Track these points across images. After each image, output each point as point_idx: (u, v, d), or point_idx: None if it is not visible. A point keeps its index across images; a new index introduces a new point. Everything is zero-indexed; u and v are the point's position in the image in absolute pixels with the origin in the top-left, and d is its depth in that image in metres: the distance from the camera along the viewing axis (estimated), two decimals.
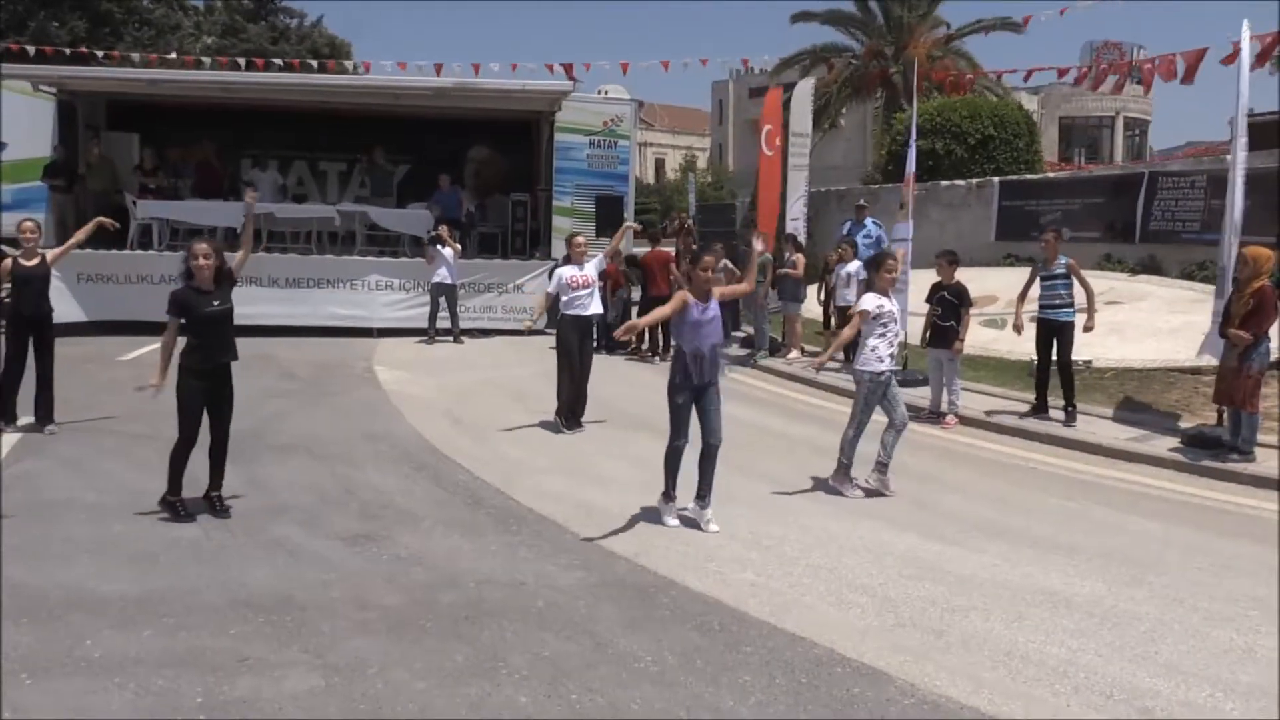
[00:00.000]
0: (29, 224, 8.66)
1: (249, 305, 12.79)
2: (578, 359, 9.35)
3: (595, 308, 9.48)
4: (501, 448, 8.53)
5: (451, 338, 15.01)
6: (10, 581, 5.13)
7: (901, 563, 5.79)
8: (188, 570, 5.39)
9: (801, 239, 14.94)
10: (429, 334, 14.95)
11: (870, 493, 7.26)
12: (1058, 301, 9.59)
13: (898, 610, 5.07)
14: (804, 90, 16.50)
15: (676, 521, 6.38)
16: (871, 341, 7.27)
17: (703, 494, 6.41)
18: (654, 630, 4.74)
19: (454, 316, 15.12)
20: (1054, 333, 9.59)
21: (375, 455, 8.15)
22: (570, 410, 9.29)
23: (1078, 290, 9.62)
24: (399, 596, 5.11)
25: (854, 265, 12.82)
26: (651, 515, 6.53)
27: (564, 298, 9.26)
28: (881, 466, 7.34)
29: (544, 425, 9.29)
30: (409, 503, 6.82)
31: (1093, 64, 21.68)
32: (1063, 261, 9.60)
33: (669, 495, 6.47)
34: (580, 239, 9.62)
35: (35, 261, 8.52)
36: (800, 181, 15.78)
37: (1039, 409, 9.75)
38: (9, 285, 8.43)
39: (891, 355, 7.38)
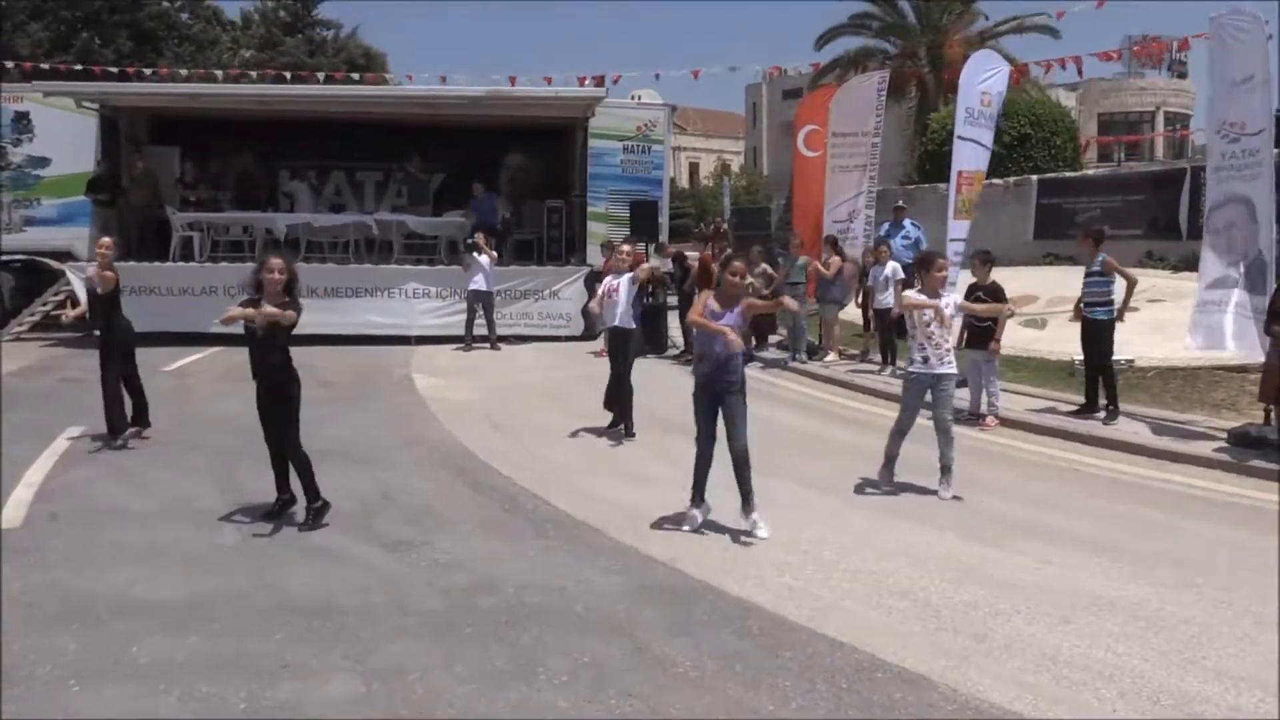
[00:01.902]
0: (107, 240, 8.95)
1: None
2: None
3: None
4: (538, 451, 8.56)
5: (488, 344, 15.11)
6: (59, 588, 5.23)
7: (942, 566, 5.73)
8: (232, 576, 5.46)
9: (844, 243, 14.52)
10: (466, 341, 15.05)
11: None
12: (1091, 299, 9.60)
13: (939, 614, 5.02)
14: (865, 86, 15.49)
15: (688, 527, 6.31)
16: (915, 341, 7.30)
17: (744, 503, 6.31)
18: (693, 635, 4.73)
19: (490, 323, 15.20)
20: (1088, 330, 9.60)
21: (414, 460, 8.21)
22: (629, 418, 9.26)
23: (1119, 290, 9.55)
24: (439, 601, 5.14)
25: (891, 267, 12.72)
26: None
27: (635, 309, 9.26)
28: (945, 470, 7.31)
29: (586, 431, 9.31)
30: (447, 507, 6.87)
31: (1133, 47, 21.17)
32: (1099, 259, 9.54)
33: (694, 501, 6.43)
34: (626, 246, 9.69)
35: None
36: (849, 184, 14.94)
37: (1088, 408, 9.64)
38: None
39: (928, 357, 7.29)
